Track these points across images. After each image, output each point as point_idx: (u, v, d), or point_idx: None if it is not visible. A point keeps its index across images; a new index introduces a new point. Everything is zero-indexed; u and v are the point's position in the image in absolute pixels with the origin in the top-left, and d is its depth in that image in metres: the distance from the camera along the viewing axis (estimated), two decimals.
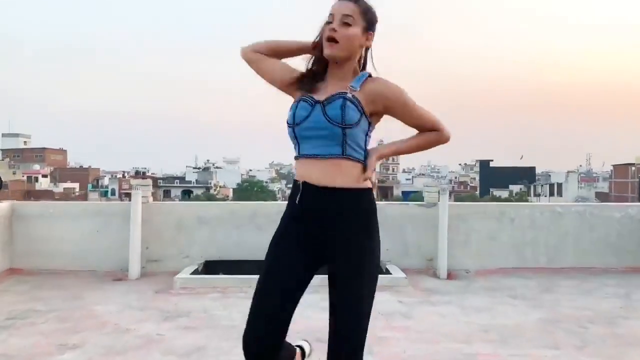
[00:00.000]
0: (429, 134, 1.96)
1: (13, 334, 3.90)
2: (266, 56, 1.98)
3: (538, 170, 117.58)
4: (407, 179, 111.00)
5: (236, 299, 5.03)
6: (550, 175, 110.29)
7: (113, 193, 72.92)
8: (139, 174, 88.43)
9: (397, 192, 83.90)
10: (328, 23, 1.83)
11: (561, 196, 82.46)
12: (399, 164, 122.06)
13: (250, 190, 70.09)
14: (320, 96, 1.84)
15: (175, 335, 3.89)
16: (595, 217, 6.73)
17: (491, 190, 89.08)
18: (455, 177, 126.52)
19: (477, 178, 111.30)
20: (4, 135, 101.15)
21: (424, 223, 6.58)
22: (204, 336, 3.85)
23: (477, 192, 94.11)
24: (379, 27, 1.92)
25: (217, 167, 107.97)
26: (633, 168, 78.10)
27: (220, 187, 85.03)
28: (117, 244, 6.37)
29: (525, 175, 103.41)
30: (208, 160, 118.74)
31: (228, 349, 3.54)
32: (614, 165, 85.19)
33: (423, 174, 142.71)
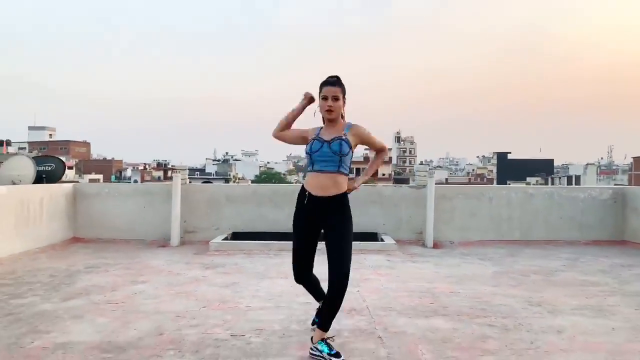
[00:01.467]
0: (379, 155, 3.42)
1: (95, 276, 5.29)
2: (285, 132, 3.32)
3: (557, 163, 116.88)
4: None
5: (259, 257, 6.36)
6: (569, 168, 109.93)
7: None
8: (160, 166, 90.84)
9: (413, 184, 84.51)
10: (324, 99, 3.14)
11: None
12: (416, 156, 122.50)
13: (268, 181, 71.77)
14: (326, 138, 3.17)
15: (215, 277, 5.24)
16: (563, 198, 7.90)
17: (508, 182, 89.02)
18: (473, 170, 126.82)
19: (495, 170, 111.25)
20: (30, 128, 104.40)
21: (415, 202, 7.84)
22: (237, 277, 5.20)
23: (494, 184, 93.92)
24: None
25: (235, 160, 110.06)
26: None
27: (239, 178, 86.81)
28: (161, 218, 7.78)
29: (544, 168, 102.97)
30: (227, 153, 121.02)
31: (255, 283, 4.88)
32: (634, 158, 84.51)
33: (441, 167, 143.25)
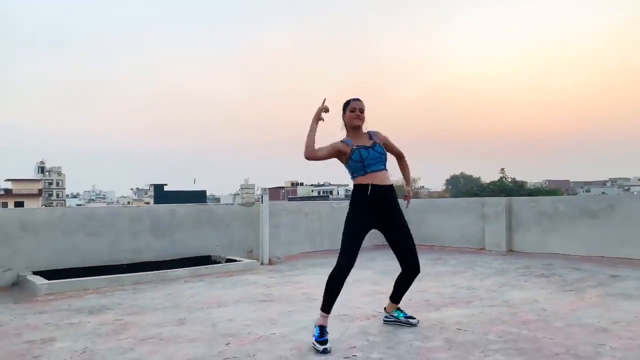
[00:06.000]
0: (403, 162, 3.82)
1: None
2: (320, 150, 3.39)
3: (208, 194, 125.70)
4: (78, 205, 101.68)
5: (126, 294, 5.04)
6: (220, 199, 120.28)
7: None
8: None
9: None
10: (353, 111, 3.50)
11: None
12: (64, 188, 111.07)
13: None
14: (366, 144, 3.48)
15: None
16: None
17: None
18: (129, 202, 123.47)
19: (152, 202, 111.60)
20: None
21: (246, 220, 7.65)
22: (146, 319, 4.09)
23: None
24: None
25: None
26: (283, 191, 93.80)
27: None
28: None
29: (198, 198, 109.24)
30: None
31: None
32: (268, 188, 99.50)
33: (93, 200, 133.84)
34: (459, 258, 7.29)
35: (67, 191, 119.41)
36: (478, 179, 67.56)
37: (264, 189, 7.90)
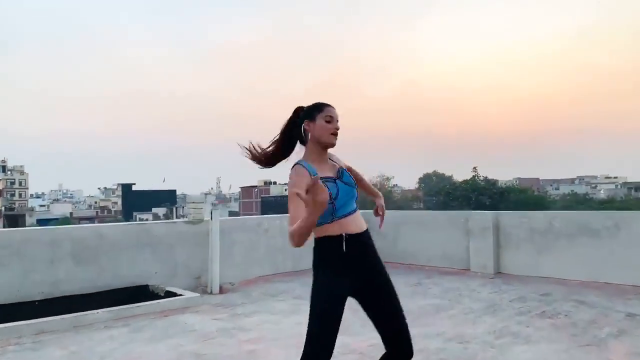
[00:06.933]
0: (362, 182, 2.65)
1: None
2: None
3: (179, 192, 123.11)
4: (41, 205, 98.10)
5: (20, 353, 3.86)
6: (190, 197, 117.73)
7: None
8: None
9: (31, 220, 72.74)
10: (329, 121, 2.33)
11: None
12: (27, 188, 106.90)
13: None
14: (328, 174, 2.30)
15: None
16: None
17: (135, 213, 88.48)
18: (96, 202, 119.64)
19: (120, 202, 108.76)
20: None
21: (192, 240, 6.49)
22: None
23: (122, 216, 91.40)
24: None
25: None
26: (256, 189, 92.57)
27: None
28: None
29: (167, 198, 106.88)
30: None
31: None
32: (241, 187, 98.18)
33: (58, 200, 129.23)
34: (441, 283, 6.29)
35: (31, 191, 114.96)
36: (450, 177, 67.32)
37: (214, 204, 6.75)
